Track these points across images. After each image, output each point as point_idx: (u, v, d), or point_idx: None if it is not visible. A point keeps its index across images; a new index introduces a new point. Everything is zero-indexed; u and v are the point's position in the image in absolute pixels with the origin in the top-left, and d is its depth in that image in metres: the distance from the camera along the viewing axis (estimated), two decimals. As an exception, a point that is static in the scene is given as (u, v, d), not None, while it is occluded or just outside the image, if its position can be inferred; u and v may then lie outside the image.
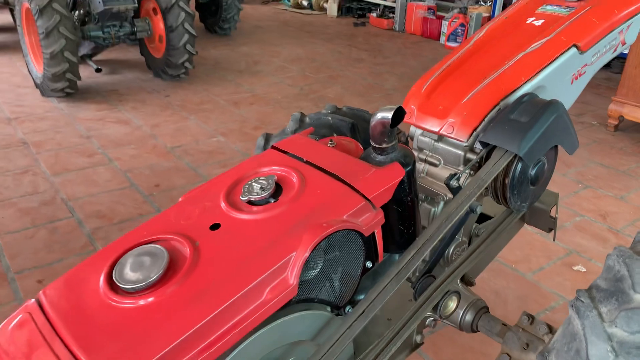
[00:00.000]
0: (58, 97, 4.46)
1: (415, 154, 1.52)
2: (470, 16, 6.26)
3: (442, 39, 6.68)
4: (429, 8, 7.10)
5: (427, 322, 1.62)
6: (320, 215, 1.06)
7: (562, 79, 1.49)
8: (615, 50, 1.61)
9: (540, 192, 1.41)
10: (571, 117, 1.35)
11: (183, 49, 4.70)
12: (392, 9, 7.68)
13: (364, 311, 1.08)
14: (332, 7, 8.16)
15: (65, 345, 0.89)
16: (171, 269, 0.98)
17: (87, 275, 1.01)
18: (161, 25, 4.74)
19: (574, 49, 1.47)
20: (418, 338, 1.59)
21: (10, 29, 6.62)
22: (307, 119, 1.75)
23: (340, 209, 1.08)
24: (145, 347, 0.88)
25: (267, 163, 1.21)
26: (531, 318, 1.52)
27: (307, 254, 1.00)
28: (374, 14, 7.76)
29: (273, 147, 1.29)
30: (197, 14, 6.82)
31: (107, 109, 4.35)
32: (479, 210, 1.33)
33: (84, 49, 4.96)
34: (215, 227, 1.07)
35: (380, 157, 1.20)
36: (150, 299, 0.94)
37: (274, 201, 1.11)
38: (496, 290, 2.35)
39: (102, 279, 0.98)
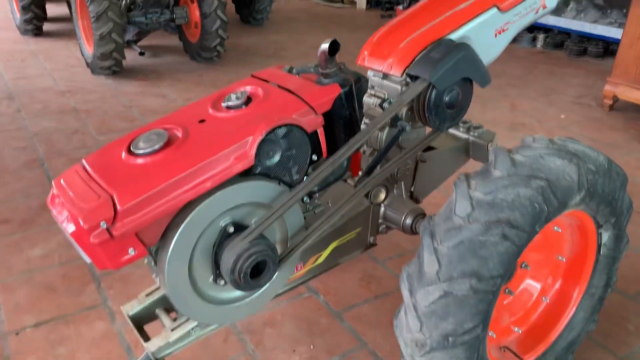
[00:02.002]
0: (106, 75, 5.07)
1: (369, 91, 1.94)
2: (489, 7, 6.56)
3: (463, 29, 7.00)
4: None
5: (380, 229, 2.04)
6: (274, 114, 1.51)
7: (485, 33, 1.87)
8: (537, 12, 1.98)
9: (457, 116, 1.80)
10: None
11: (215, 34, 5.23)
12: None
13: (307, 184, 1.52)
14: (361, 1, 8.58)
15: (98, 184, 1.37)
16: (169, 143, 1.45)
17: (113, 148, 1.49)
18: (197, 12, 5.29)
19: (495, 9, 1.85)
20: (371, 239, 2.02)
21: (67, 19, 7.33)
22: (294, 70, 2.20)
23: (290, 111, 1.53)
24: (149, 182, 1.35)
25: (244, 84, 1.68)
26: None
27: (261, 137, 1.45)
28: (401, 7, 8.14)
29: (252, 76, 1.75)
30: (233, 6, 7.39)
31: (148, 85, 4.92)
32: (408, 129, 1.75)
33: (129, 35, 5.55)
34: (202, 121, 1.54)
35: (325, 80, 1.65)
36: (155, 158, 1.41)
37: (245, 107, 1.56)
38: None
39: (124, 149, 1.46)
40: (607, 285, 1.79)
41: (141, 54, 5.60)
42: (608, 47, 6.04)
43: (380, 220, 2.01)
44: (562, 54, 6.24)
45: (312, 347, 2.02)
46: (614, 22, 5.86)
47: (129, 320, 1.72)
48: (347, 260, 1.98)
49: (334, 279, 2.38)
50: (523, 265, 1.76)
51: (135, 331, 1.69)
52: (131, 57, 5.57)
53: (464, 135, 2.21)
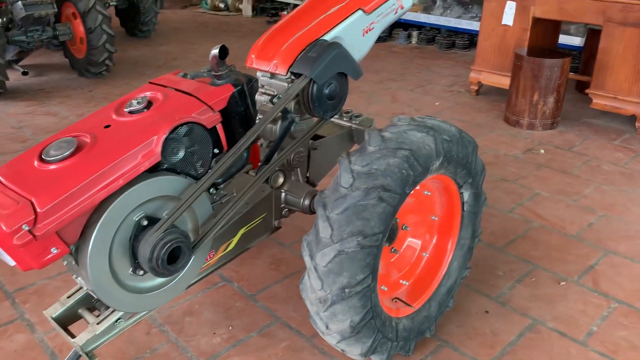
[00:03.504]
0: (-12, 98, 4.88)
1: (260, 89, 2.17)
2: (367, 9, 7.04)
3: (345, 30, 7.44)
4: (333, 4, 7.85)
5: (283, 213, 2.27)
6: (175, 114, 1.69)
7: (354, 33, 2.16)
8: (396, 12, 2.31)
9: (338, 106, 2.08)
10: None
11: (103, 48, 5.21)
12: (301, 7, 8.38)
13: (211, 175, 1.71)
14: (246, 8, 8.80)
15: (15, 192, 1.48)
16: (79, 149, 1.59)
17: (24, 159, 1.60)
18: (81, 28, 5.23)
19: (360, 12, 2.15)
20: (276, 223, 2.23)
21: None
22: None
23: (189, 110, 1.72)
24: (64, 185, 1.48)
25: (144, 90, 1.84)
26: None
27: (165, 135, 1.62)
28: (285, 12, 8.45)
29: (149, 82, 1.91)
30: (118, 20, 7.31)
31: (36, 104, 4.80)
32: (297, 120, 2.00)
33: (9, 54, 5.36)
34: (107, 126, 1.68)
35: (219, 81, 1.85)
36: (67, 163, 1.54)
37: (147, 110, 1.73)
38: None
39: (35, 158, 1.57)
40: (473, 236, 2.14)
41: (24, 73, 5.42)
42: (473, 39, 6.71)
43: (282, 205, 2.24)
44: (434, 48, 6.84)
45: (230, 328, 2.20)
46: (475, 17, 6.54)
47: (52, 322, 1.81)
48: (256, 244, 2.18)
49: (245, 266, 2.58)
50: (404, 227, 2.07)
51: (61, 331, 1.79)
52: (14, 77, 5.39)
53: (348, 124, 2.51)
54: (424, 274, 2.11)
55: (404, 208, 2.04)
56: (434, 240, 2.13)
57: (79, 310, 1.87)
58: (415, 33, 7.09)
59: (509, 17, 4.54)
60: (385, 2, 2.24)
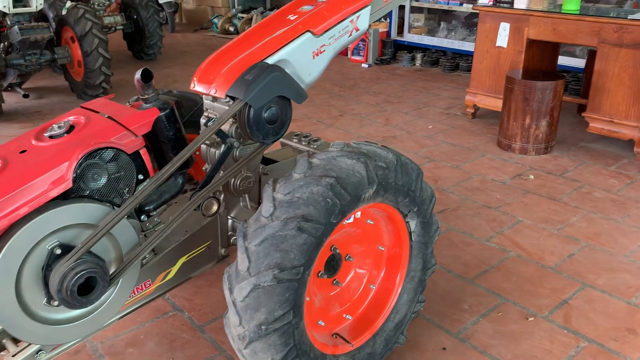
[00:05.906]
0: (-17, 120, 4.95)
1: (205, 113, 2.10)
2: (370, 32, 6.99)
3: (349, 54, 7.41)
4: (338, 27, 7.82)
5: (231, 241, 2.18)
6: (92, 139, 1.63)
7: (302, 55, 2.09)
8: (351, 34, 2.23)
9: (280, 131, 1.99)
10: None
11: (99, 71, 5.26)
12: (308, 30, 8.38)
13: (130, 202, 1.64)
14: (254, 31, 8.84)
15: None
16: (-13, 174, 1.54)
17: None
18: (79, 51, 5.30)
19: (308, 34, 2.08)
20: (223, 251, 2.15)
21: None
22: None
23: (108, 135, 1.66)
24: (-38, 212, 1.42)
25: (70, 114, 1.79)
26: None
27: (77, 160, 1.56)
28: (293, 35, 8.46)
29: (81, 106, 1.86)
30: (125, 43, 7.45)
31: (29, 126, 4.84)
32: (236, 144, 1.93)
33: (10, 78, 5.45)
34: (23, 151, 1.63)
35: (145, 105, 1.79)
36: (-29, 190, 1.49)
37: (66, 135, 1.67)
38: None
39: (-58, 183, 1.52)
40: (424, 268, 2.01)
41: (25, 96, 5.52)
42: (477, 62, 6.59)
43: (230, 232, 2.15)
44: (438, 70, 6.74)
45: (171, 360, 2.11)
46: (479, 39, 6.43)
47: (-28, 353, 1.75)
48: (200, 273, 2.09)
49: (200, 295, 2.49)
50: (347, 258, 1.95)
51: (-22, 363, 1.72)
52: (15, 100, 5.49)
53: (305, 148, 2.42)
54: (370, 308, 1.98)
55: (346, 238, 1.94)
56: (382, 272, 2.01)
57: (3, 341, 1.80)
58: (419, 55, 7.00)
59: (503, 38, 4.43)
60: (337, 24, 2.16)
